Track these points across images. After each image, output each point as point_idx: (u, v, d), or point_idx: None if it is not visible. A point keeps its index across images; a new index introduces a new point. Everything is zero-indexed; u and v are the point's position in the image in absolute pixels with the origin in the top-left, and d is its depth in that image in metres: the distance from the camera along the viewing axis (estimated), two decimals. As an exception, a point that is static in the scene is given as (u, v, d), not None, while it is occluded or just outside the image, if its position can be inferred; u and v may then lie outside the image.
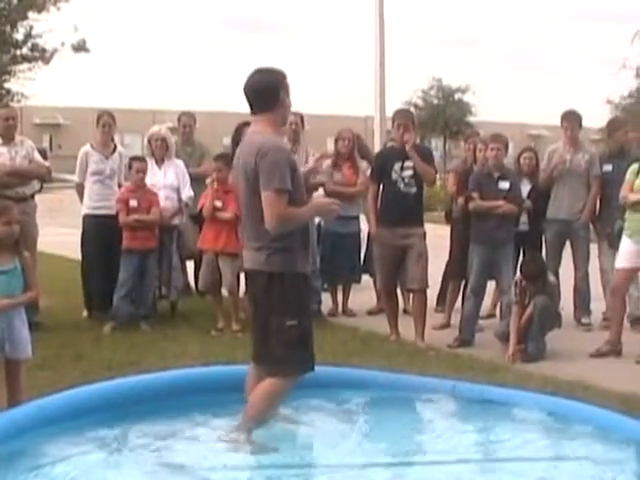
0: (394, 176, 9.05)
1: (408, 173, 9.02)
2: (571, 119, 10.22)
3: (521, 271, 8.88)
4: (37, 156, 9.56)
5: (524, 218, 9.68)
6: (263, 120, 5.42)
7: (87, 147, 10.05)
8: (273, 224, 5.21)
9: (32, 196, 9.62)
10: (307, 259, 5.46)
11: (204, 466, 5.22)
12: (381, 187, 9.27)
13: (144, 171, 9.49)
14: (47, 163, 9.98)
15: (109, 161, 9.91)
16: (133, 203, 9.43)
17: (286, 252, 5.32)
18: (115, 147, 10.09)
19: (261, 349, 5.51)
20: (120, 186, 9.88)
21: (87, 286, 10.01)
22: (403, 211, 9.00)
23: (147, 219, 9.45)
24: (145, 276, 9.54)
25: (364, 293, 10.73)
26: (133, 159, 9.66)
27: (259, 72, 5.45)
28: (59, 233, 17.47)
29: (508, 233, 9.23)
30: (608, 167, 9.99)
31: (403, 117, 9.33)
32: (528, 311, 8.66)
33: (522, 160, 10.30)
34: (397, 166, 9.03)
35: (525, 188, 9.87)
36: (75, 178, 10.21)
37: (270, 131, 5.39)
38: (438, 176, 11.03)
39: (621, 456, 5.50)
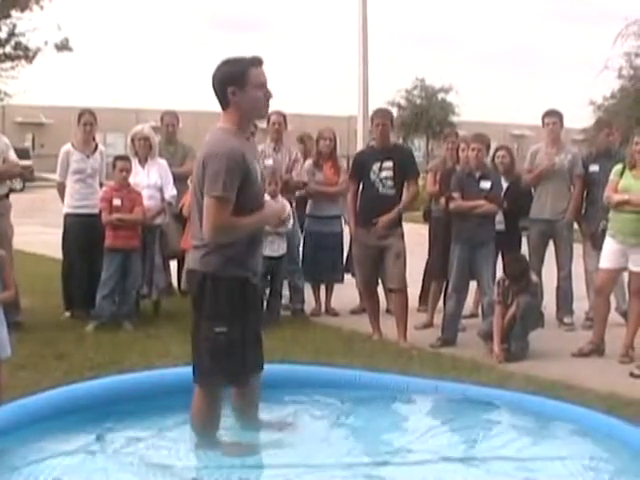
0: (372, 177, 9.05)
1: (386, 174, 9.02)
2: (553, 116, 10.26)
3: (504, 271, 8.90)
4: (12, 155, 9.42)
5: (500, 217, 9.66)
6: (224, 116, 5.14)
7: (68, 146, 10.02)
8: (210, 233, 4.94)
9: (7, 195, 9.54)
10: (250, 262, 5.16)
11: (188, 466, 5.21)
12: (360, 187, 9.28)
13: (128, 170, 9.47)
14: (29, 162, 9.93)
15: (90, 160, 9.88)
16: (117, 202, 9.40)
17: (223, 252, 5.03)
18: (96, 146, 10.06)
19: (194, 355, 5.30)
20: (102, 185, 9.87)
21: (67, 286, 9.98)
22: (381, 212, 8.99)
23: (130, 218, 9.42)
24: (128, 275, 9.52)
25: (347, 292, 10.72)
26: (117, 158, 9.64)
27: (219, 65, 5.11)
28: (41, 232, 17.43)
29: (489, 233, 9.24)
30: (595, 167, 10.00)
31: (381, 117, 9.34)
32: (511, 311, 8.68)
33: (497, 159, 10.31)
34: (375, 167, 9.03)
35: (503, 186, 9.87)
36: (56, 177, 10.17)
37: (230, 128, 5.10)
38: (420, 176, 11.01)
39: (603, 455, 5.52)
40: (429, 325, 9.99)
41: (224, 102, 5.09)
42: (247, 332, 5.18)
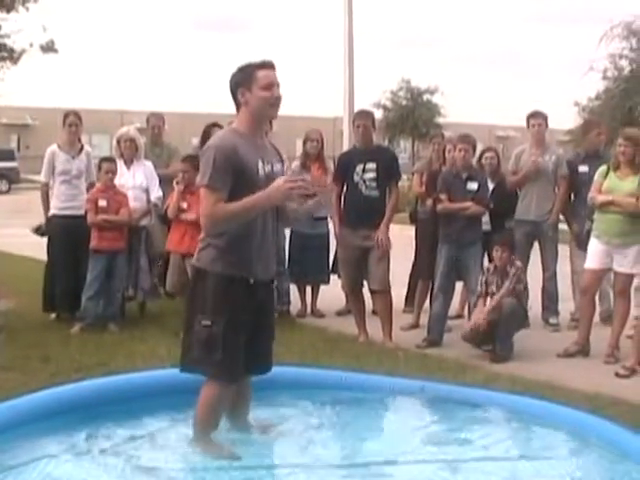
0: (356, 178, 9.06)
1: (370, 175, 9.03)
2: (538, 117, 10.29)
3: (496, 243, 8.95)
4: None
5: (486, 218, 9.69)
6: (237, 118, 5.33)
7: (54, 147, 9.99)
8: (203, 222, 5.16)
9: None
10: (239, 263, 5.18)
11: (174, 468, 5.21)
12: (345, 188, 9.29)
13: (113, 172, 9.47)
14: (14, 164, 9.92)
15: (76, 161, 9.85)
16: (102, 203, 9.40)
17: (214, 250, 5.18)
18: (82, 147, 10.03)
19: (182, 344, 5.39)
20: (93, 186, 9.85)
21: (50, 287, 9.94)
22: (365, 213, 9.01)
23: (116, 219, 9.41)
24: (113, 277, 9.51)
25: (333, 294, 10.73)
26: (103, 160, 9.64)
27: (232, 72, 5.30)
28: (27, 234, 17.35)
29: (476, 233, 9.27)
30: (584, 168, 9.99)
31: (362, 118, 9.36)
32: (491, 303, 8.71)
33: (484, 160, 10.37)
34: (359, 168, 9.04)
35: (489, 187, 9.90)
36: (41, 178, 10.13)
37: (237, 128, 5.28)
38: (406, 177, 11.04)
39: (588, 455, 5.54)
40: (415, 326, 10.01)
41: (237, 104, 5.29)
42: (232, 330, 5.18)
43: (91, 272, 9.41)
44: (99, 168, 9.53)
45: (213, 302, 5.18)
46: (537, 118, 10.28)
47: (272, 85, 5.22)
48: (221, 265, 5.18)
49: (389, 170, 9.16)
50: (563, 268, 10.35)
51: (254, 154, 5.22)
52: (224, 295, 5.18)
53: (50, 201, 9.94)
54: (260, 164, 5.22)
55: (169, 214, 9.35)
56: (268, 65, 5.27)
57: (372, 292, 9.37)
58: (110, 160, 9.66)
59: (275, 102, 5.27)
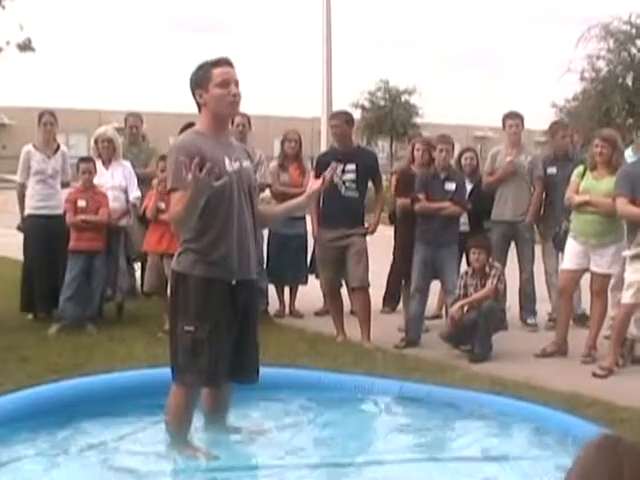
0: (335, 179, 9.04)
1: (349, 177, 9.03)
2: (514, 118, 10.30)
3: (472, 245, 9.00)
4: None
5: (464, 219, 9.72)
6: (198, 119, 5.33)
7: (29, 147, 9.94)
8: (172, 225, 5.25)
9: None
10: (220, 264, 5.13)
11: (152, 469, 5.19)
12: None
13: (91, 172, 9.43)
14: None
15: (51, 161, 9.80)
16: (81, 203, 9.37)
17: (193, 253, 5.14)
18: (58, 147, 9.99)
19: (170, 352, 5.32)
20: (68, 185, 9.82)
21: (27, 287, 9.89)
22: (343, 214, 9.02)
23: (95, 219, 9.38)
24: (91, 277, 9.47)
25: (311, 294, 10.72)
26: (81, 160, 9.60)
27: (191, 72, 5.26)
28: (2, 234, 17.26)
29: (452, 234, 9.29)
30: (552, 169, 10.06)
31: (336, 118, 9.38)
32: (477, 295, 8.76)
33: (463, 160, 10.40)
34: (338, 169, 9.03)
35: (467, 188, 9.91)
36: (17, 178, 10.08)
37: (199, 129, 5.27)
38: (385, 177, 11.05)
39: (567, 455, 5.55)
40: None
41: (197, 105, 5.26)
42: (217, 334, 5.15)
43: (70, 272, 9.37)
44: (77, 168, 9.49)
45: (195, 306, 5.12)
46: (513, 119, 10.30)
47: (229, 82, 5.16)
48: (201, 268, 5.13)
49: (369, 171, 9.17)
50: (540, 268, 10.38)
51: (219, 152, 5.16)
52: (206, 298, 5.13)
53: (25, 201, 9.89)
54: (227, 161, 5.16)
55: (148, 215, 9.32)
56: (223, 62, 5.20)
57: (351, 290, 9.38)
58: (88, 160, 9.63)
59: (233, 99, 5.20)
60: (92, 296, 9.54)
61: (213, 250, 5.13)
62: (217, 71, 5.15)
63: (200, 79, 5.17)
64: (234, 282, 5.21)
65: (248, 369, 5.50)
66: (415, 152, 9.92)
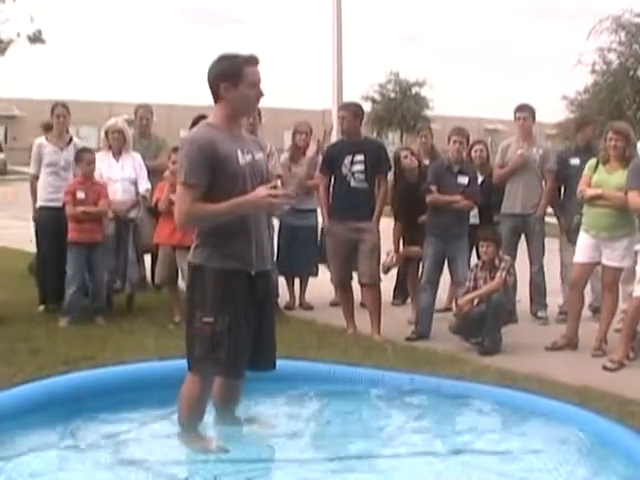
0: (344, 170, 9.04)
1: (358, 168, 9.01)
2: (525, 110, 10.28)
3: (480, 238, 8.98)
4: None
5: (474, 211, 9.70)
6: (214, 110, 5.26)
7: (41, 139, 9.97)
8: (178, 219, 5.10)
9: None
10: (239, 254, 5.14)
11: (161, 461, 5.19)
12: (333, 180, 9.28)
13: (90, 162, 9.40)
14: (1, 155, 9.87)
15: (64, 152, 9.80)
16: (80, 195, 9.33)
17: (210, 245, 5.13)
18: (71, 139, 10.00)
19: (187, 343, 5.31)
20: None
21: (42, 279, 9.91)
22: (353, 205, 8.98)
23: (95, 211, 9.34)
24: (93, 269, 9.45)
25: (322, 286, 10.71)
26: (82, 151, 9.56)
27: (216, 60, 5.18)
28: (13, 226, 17.30)
29: (462, 228, 9.29)
30: (575, 161, 9.93)
31: (344, 109, 9.39)
32: (487, 287, 8.75)
33: (474, 153, 10.38)
34: (347, 160, 9.02)
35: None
36: (30, 170, 10.10)
37: (214, 122, 5.21)
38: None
39: (576, 449, 5.54)
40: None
41: (216, 96, 5.18)
42: (236, 324, 5.15)
43: (72, 266, 9.34)
44: (77, 159, 9.45)
45: (214, 298, 5.12)
46: (524, 111, 10.27)
47: (258, 84, 5.18)
48: (219, 260, 5.12)
49: (377, 162, 9.14)
50: (550, 261, 10.35)
51: (232, 144, 5.15)
52: (225, 290, 5.13)
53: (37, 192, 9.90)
54: (240, 153, 5.15)
55: (160, 207, 9.31)
56: (254, 61, 5.18)
57: (361, 285, 9.37)
58: (90, 150, 9.62)
59: (258, 100, 5.25)
60: (97, 288, 9.53)
61: (231, 242, 5.13)
62: (249, 70, 5.12)
63: (230, 73, 5.09)
64: (253, 273, 5.22)
65: (266, 357, 5.50)
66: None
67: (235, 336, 5.15)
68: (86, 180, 9.43)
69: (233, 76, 5.09)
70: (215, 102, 5.21)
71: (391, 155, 9.99)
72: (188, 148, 5.05)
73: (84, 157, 9.42)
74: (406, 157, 9.93)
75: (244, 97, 5.14)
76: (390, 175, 9.89)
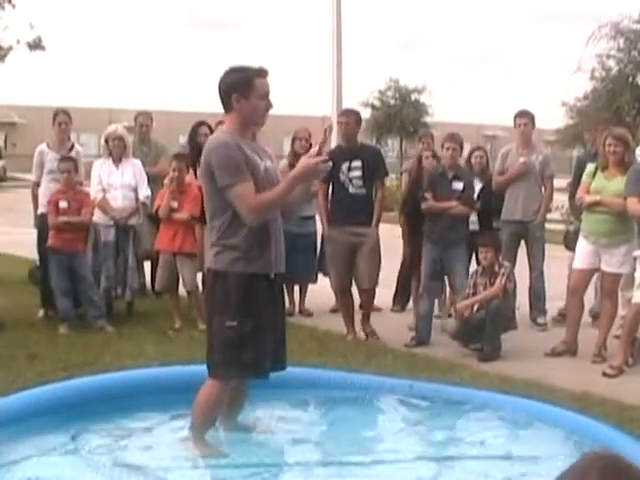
0: (342, 177, 9.05)
1: (356, 174, 9.03)
2: (524, 116, 10.29)
3: (479, 244, 8.98)
4: None
5: (474, 218, 9.72)
6: (226, 120, 5.38)
7: (43, 146, 9.99)
8: (250, 217, 5.12)
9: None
10: (260, 258, 5.23)
11: (161, 466, 5.20)
12: (331, 187, 9.29)
13: (70, 171, 9.35)
14: (1, 162, 9.88)
15: (65, 160, 9.81)
16: (63, 204, 9.29)
17: (231, 251, 5.19)
18: (73, 146, 10.02)
19: (207, 348, 5.40)
20: (81, 185, 9.82)
21: (44, 285, 9.90)
22: (352, 211, 9.02)
23: (77, 220, 9.31)
24: (78, 277, 9.38)
25: (321, 293, 10.71)
26: (61, 159, 9.54)
27: (227, 71, 5.31)
28: (13, 232, 17.32)
29: (460, 234, 9.27)
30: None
31: (344, 115, 9.42)
32: (486, 292, 8.75)
33: (473, 159, 10.38)
34: (344, 167, 9.03)
35: (476, 187, 9.90)
36: (32, 177, 10.11)
37: (229, 130, 5.29)
38: (394, 176, 11.06)
39: (574, 454, 5.54)
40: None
41: (227, 107, 5.30)
42: (260, 326, 5.23)
43: (54, 274, 9.32)
44: (57, 168, 9.44)
45: (237, 302, 5.19)
46: (524, 118, 10.28)
47: (267, 95, 5.30)
48: (241, 264, 5.20)
49: (375, 167, 9.17)
50: (550, 268, 10.36)
51: (252, 151, 5.28)
52: (248, 294, 5.21)
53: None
54: (261, 162, 5.29)
55: (160, 214, 9.33)
56: (264, 73, 5.31)
57: (360, 291, 9.38)
58: (67, 159, 9.56)
59: (267, 111, 5.36)
60: (85, 295, 9.44)
61: (253, 246, 5.21)
62: (260, 82, 5.25)
63: (242, 85, 5.22)
64: (272, 275, 5.31)
65: (283, 357, 5.60)
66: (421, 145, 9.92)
67: (261, 337, 5.24)
68: (68, 189, 9.38)
69: (244, 88, 5.21)
70: (226, 112, 5.33)
71: (391, 161, 10.00)
72: (223, 151, 5.15)
73: (60, 166, 9.39)
74: (427, 158, 9.95)
75: (254, 108, 5.26)
76: (405, 177, 9.93)
